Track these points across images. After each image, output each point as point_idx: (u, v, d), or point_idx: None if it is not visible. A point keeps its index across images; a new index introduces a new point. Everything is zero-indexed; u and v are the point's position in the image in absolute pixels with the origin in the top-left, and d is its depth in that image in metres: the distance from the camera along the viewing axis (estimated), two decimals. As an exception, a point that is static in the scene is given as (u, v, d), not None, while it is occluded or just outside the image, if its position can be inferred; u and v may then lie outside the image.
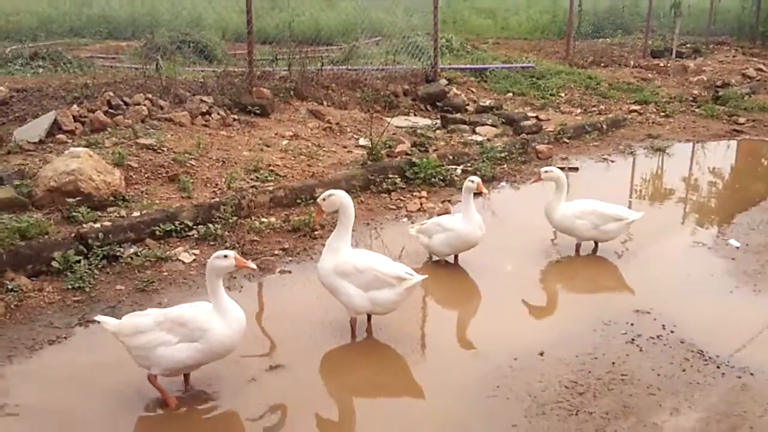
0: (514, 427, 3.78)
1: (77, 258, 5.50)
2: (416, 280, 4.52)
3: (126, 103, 8.87)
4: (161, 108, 9.04)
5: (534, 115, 11.67)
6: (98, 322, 4.05)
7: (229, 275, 5.53)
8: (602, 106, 13.01)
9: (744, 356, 4.54)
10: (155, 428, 3.85)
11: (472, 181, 5.79)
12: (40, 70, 12.32)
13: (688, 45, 20.25)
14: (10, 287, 5.09)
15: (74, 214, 6.05)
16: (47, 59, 12.97)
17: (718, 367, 4.41)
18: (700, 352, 4.58)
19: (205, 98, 9.34)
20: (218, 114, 9.19)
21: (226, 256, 3.94)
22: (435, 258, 6.12)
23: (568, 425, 3.80)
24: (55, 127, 8.07)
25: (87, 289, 5.22)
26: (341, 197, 4.75)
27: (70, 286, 5.22)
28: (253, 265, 4.08)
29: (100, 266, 5.53)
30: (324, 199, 4.79)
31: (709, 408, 3.97)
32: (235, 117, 9.33)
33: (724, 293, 5.57)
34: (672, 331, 4.85)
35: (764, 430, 3.78)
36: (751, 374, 4.31)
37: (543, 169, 6.36)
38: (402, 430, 3.84)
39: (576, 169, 9.14)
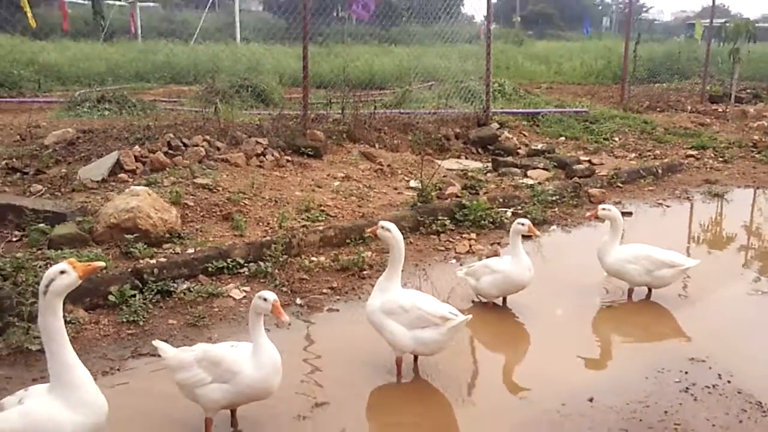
0: (561, 474, 3.69)
1: (133, 292, 5.66)
2: (460, 320, 4.50)
3: (185, 145, 9.18)
4: (218, 149, 9.32)
5: (587, 159, 11.59)
6: (154, 349, 4.12)
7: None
8: (657, 151, 12.83)
9: (806, 409, 4.34)
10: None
11: (522, 224, 5.77)
12: (106, 113, 12.87)
13: (748, 90, 19.89)
14: (68, 319, 5.26)
15: (132, 249, 6.25)
16: (113, 102, 13.53)
17: (777, 419, 4.23)
18: (759, 403, 4.40)
19: (260, 140, 9.60)
20: (272, 155, 9.42)
21: (265, 299, 3.93)
22: (483, 300, 6.08)
23: (617, 474, 3.69)
24: (118, 166, 8.40)
25: (141, 323, 5.36)
26: (394, 235, 4.82)
27: (124, 320, 5.37)
28: (286, 318, 3.97)
29: (154, 301, 5.68)
30: (383, 227, 4.87)
31: (767, 462, 3.80)
32: (289, 158, 9.55)
33: (786, 343, 5.36)
34: (729, 381, 4.68)
35: (828, 488, 3.59)
36: (814, 428, 4.12)
37: (601, 206, 6.29)
38: (446, 473, 3.79)
39: (630, 213, 8.99)
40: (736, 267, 7.38)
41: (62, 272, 3.31)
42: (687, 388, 4.61)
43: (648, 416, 4.27)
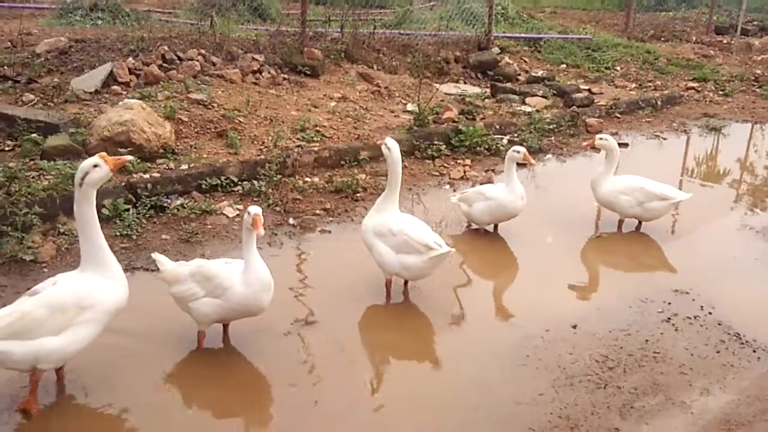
0: (541, 396, 3.82)
1: (126, 206, 5.69)
2: (442, 252, 4.53)
3: (180, 58, 9.01)
4: (213, 64, 9.15)
5: (587, 87, 11.46)
6: (149, 267, 4.19)
7: (271, 232, 5.67)
8: (659, 82, 12.68)
9: (783, 342, 4.46)
10: (190, 370, 3.98)
11: (518, 151, 5.75)
12: (99, 22, 12.54)
13: (755, 22, 19.49)
14: (62, 230, 5.30)
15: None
16: (106, 11, 13.17)
17: (754, 351, 4.35)
18: (737, 335, 4.52)
19: (256, 56, 9.43)
20: (269, 73, 9.27)
21: (249, 213, 3.97)
22: (475, 226, 6.13)
23: (595, 397, 3.82)
24: (111, 78, 8.27)
25: (134, 237, 5.41)
26: (392, 154, 4.80)
27: (118, 233, 5.40)
28: (261, 231, 3.95)
29: (147, 216, 5.71)
30: (386, 144, 4.86)
31: (740, 391, 3.94)
32: (285, 76, 9.41)
33: (768, 278, 5.47)
34: (710, 313, 4.80)
35: (796, 417, 3.74)
36: (788, 361, 4.25)
37: (598, 136, 6.26)
38: (430, 392, 3.91)
39: (626, 145, 8.96)
40: (728, 202, 7.43)
41: (95, 166, 3.57)
42: (669, 318, 4.73)
43: (629, 344, 4.39)
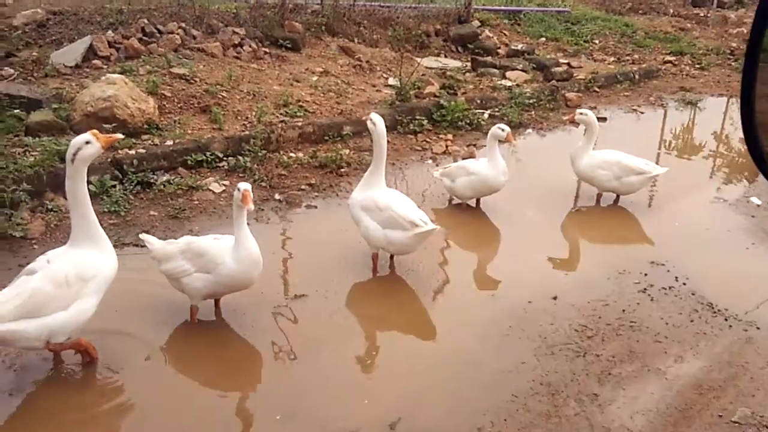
0: (523, 364, 3.98)
1: (113, 183, 5.72)
2: (427, 229, 4.64)
3: (160, 31, 8.94)
4: (194, 38, 9.10)
5: (566, 61, 11.55)
6: (139, 243, 4.28)
7: (257, 207, 5.74)
8: (636, 56, 12.81)
9: (753, 310, 4.66)
10: (183, 344, 4.09)
11: (502, 129, 5.84)
12: (75, -7, 12.34)
13: (732, -6, 19.63)
14: (49, 207, 5.34)
15: (110, 139, 6.24)
16: (81, -19, 12.96)
17: (725, 319, 4.55)
18: (710, 304, 4.72)
19: (237, 30, 9.38)
20: (250, 46, 9.24)
21: (238, 189, 4.05)
22: (457, 201, 6.26)
23: (574, 365, 3.99)
24: (91, 52, 8.20)
25: (122, 213, 5.46)
26: (376, 129, 4.88)
27: (106, 210, 5.45)
28: (251, 206, 4.04)
29: (134, 192, 5.75)
30: (371, 119, 4.94)
31: (712, 357, 4.14)
32: (266, 50, 9.38)
33: (740, 249, 5.66)
34: (684, 283, 4.99)
35: (764, 381, 3.94)
36: (758, 328, 4.46)
37: (578, 111, 6.39)
38: (417, 361, 4.06)
39: (604, 119, 9.11)
40: (703, 175, 7.62)
41: (87, 142, 3.66)
42: (645, 289, 4.91)
43: (607, 314, 4.57)
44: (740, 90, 1.51)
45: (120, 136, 4.06)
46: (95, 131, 3.75)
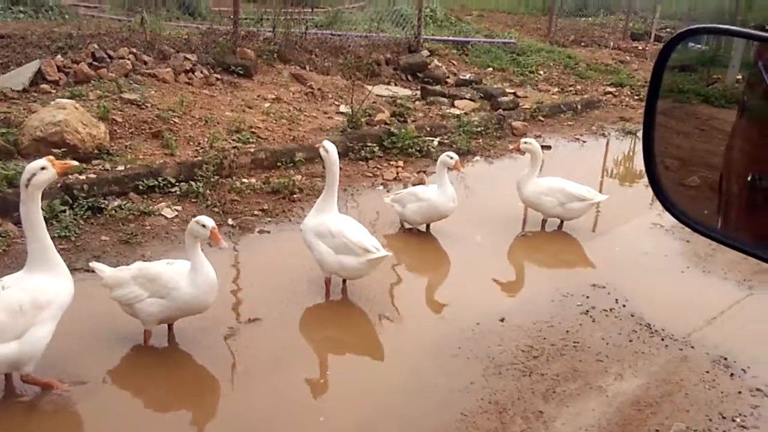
0: (472, 384, 4.11)
1: (63, 208, 5.68)
2: (379, 255, 4.75)
3: (110, 57, 8.92)
4: (145, 63, 9.11)
5: (512, 91, 11.93)
6: (91, 270, 4.28)
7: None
8: (579, 86, 13.31)
9: (688, 330, 4.91)
10: (137, 369, 4.09)
11: (451, 158, 6.03)
12: (21, 16, 12.19)
13: (668, 29, 20.54)
14: (-3, 233, 5.27)
15: (60, 164, 6.19)
16: (29, 4, 12.81)
17: (662, 339, 4.78)
18: (648, 325, 4.95)
19: (188, 56, 9.44)
20: (201, 72, 9.30)
21: (204, 226, 4.09)
22: (408, 226, 6.40)
23: (521, 384, 4.14)
24: (39, 76, 8.12)
25: (73, 239, 5.42)
26: (329, 156, 5.02)
27: (56, 235, 5.39)
28: (224, 244, 4.20)
29: (85, 217, 5.72)
30: (324, 146, 5.09)
31: (650, 375, 4.35)
32: (218, 77, 9.44)
33: (676, 273, 5.95)
34: (624, 305, 5.22)
35: (698, 397, 4.16)
36: (692, 347, 4.70)
37: (523, 140, 6.65)
38: (368, 382, 4.15)
39: (549, 147, 9.44)
40: (642, 202, 7.95)
41: (42, 168, 3.66)
42: (587, 310, 5.12)
43: (551, 335, 4.75)
44: (643, 123, 1.70)
45: (75, 163, 4.07)
46: (51, 157, 3.77)
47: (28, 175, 3.65)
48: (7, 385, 3.78)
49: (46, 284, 3.67)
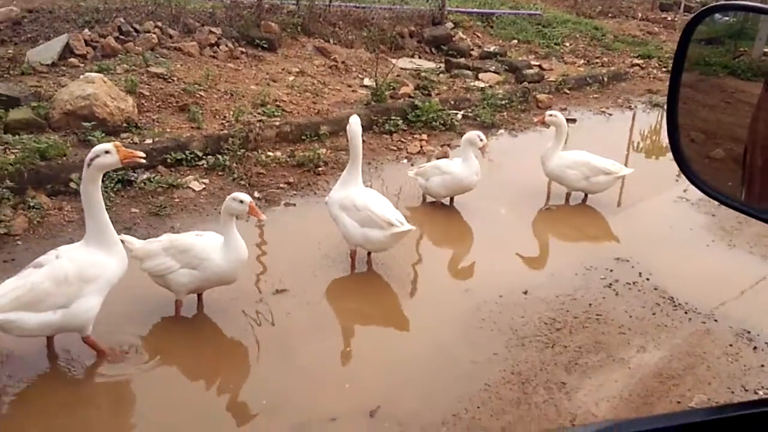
0: (495, 355, 4.18)
1: (93, 180, 5.79)
2: (403, 229, 4.81)
3: (136, 30, 8.99)
4: (170, 37, 9.17)
5: (537, 63, 11.81)
6: (121, 240, 4.39)
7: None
8: (605, 58, 13.12)
9: (711, 304, 4.92)
10: (169, 337, 4.22)
11: (481, 139, 6.01)
12: (48, -11, 12.29)
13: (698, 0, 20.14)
14: (31, 204, 5.40)
15: (89, 137, 6.30)
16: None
17: (685, 312, 4.80)
18: (671, 298, 4.96)
19: (213, 29, 9.47)
20: (226, 46, 9.34)
21: (242, 201, 4.18)
22: (431, 199, 6.44)
23: (544, 356, 4.20)
24: (67, 50, 8.22)
25: (104, 211, 5.54)
26: (351, 129, 5.07)
27: (87, 207, 5.52)
28: (264, 217, 4.33)
29: (115, 189, 5.84)
30: (350, 121, 5.15)
31: (672, 348, 4.38)
32: (243, 50, 9.48)
33: (701, 246, 5.94)
34: (647, 279, 5.23)
35: (720, 370, 4.19)
36: (716, 320, 4.71)
37: (548, 113, 6.62)
38: (393, 353, 4.24)
39: (574, 120, 9.36)
40: (668, 175, 7.86)
41: (107, 152, 3.78)
42: (610, 284, 5.15)
43: (574, 307, 4.79)
44: (667, 96, 1.72)
45: (141, 154, 4.04)
46: (118, 144, 3.87)
47: (91, 155, 3.77)
48: (49, 352, 3.92)
49: (96, 259, 3.79)
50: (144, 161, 4.20)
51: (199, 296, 4.47)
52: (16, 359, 3.86)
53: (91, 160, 3.76)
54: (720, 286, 5.21)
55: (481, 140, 6.00)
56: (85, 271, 3.72)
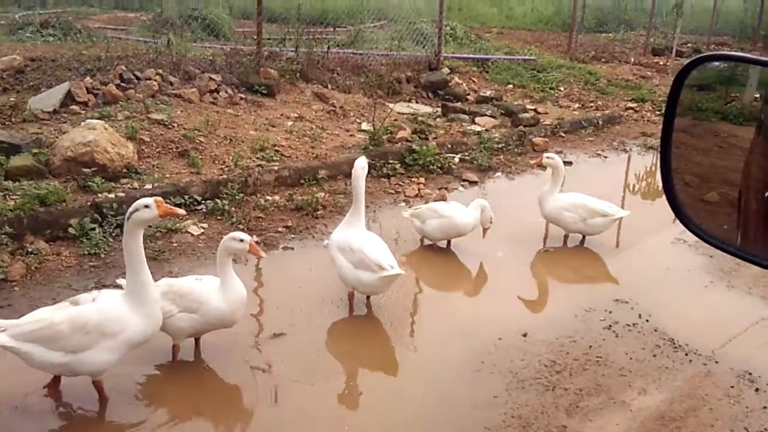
0: (495, 398, 4.14)
1: (92, 226, 5.81)
2: (392, 273, 4.81)
3: (138, 78, 9.13)
4: (171, 84, 9.30)
5: (533, 107, 11.98)
6: (119, 286, 4.38)
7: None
8: (600, 102, 13.32)
9: (712, 345, 4.89)
10: (164, 385, 4.18)
11: (491, 221, 6.22)
12: (51, 39, 12.51)
13: (689, 44, 20.50)
14: (30, 250, 5.40)
15: (89, 183, 6.34)
16: (57, 28, 13.15)
17: (686, 354, 4.77)
18: (671, 340, 4.94)
19: (213, 76, 9.62)
20: (226, 92, 9.47)
21: (241, 240, 4.20)
22: (428, 242, 6.46)
23: (544, 398, 4.16)
24: (69, 97, 8.32)
25: (102, 255, 5.55)
26: (355, 169, 5.12)
27: (86, 252, 5.54)
28: (264, 254, 4.34)
29: (114, 234, 5.84)
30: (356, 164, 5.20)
31: (674, 390, 4.34)
32: (242, 96, 9.61)
33: (700, 287, 5.93)
34: (647, 320, 5.21)
35: (722, 412, 4.15)
36: (716, 362, 4.68)
37: (545, 155, 6.69)
38: (392, 396, 4.19)
39: (570, 163, 9.44)
40: (665, 217, 7.86)
41: (146, 206, 3.75)
42: (610, 325, 5.13)
43: (574, 350, 4.76)
44: (660, 141, 1.75)
45: (182, 211, 4.06)
46: (159, 199, 3.81)
47: (132, 210, 3.76)
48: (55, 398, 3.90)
49: (123, 315, 3.72)
50: (185, 215, 4.21)
51: (197, 340, 4.45)
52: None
53: (131, 214, 3.74)
54: (720, 327, 5.19)
55: (491, 219, 6.15)
56: (106, 324, 3.65)
